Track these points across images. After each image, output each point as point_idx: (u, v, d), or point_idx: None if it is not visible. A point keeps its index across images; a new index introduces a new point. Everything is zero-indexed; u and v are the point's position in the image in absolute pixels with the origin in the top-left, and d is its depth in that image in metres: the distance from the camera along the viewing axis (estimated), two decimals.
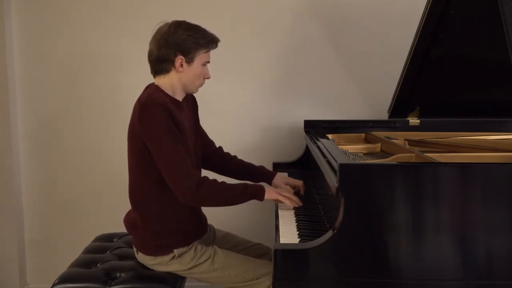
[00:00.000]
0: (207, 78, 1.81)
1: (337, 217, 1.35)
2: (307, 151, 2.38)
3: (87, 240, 2.15)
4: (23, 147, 2.70)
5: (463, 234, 1.33)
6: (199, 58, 1.74)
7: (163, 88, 1.75)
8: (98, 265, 1.84)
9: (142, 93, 1.77)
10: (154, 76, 1.79)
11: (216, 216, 2.20)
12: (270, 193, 1.76)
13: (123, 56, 2.63)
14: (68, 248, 2.65)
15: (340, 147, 1.98)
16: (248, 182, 1.87)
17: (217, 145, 2.09)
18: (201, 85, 1.81)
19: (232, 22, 2.60)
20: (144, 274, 1.77)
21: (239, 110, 2.66)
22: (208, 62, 1.79)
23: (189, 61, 1.73)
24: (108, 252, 1.97)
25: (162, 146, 1.64)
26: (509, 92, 2.07)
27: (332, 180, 1.41)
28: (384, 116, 2.41)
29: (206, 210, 1.95)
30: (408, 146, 2.03)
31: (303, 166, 2.28)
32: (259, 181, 2.02)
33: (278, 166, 2.46)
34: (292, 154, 2.60)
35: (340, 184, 1.34)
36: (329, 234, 1.34)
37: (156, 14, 2.60)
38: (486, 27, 1.87)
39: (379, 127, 2.42)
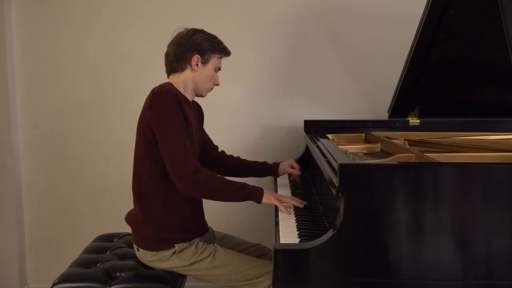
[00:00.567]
0: (217, 84, 1.89)
1: (337, 217, 1.35)
2: (307, 151, 2.39)
3: (87, 240, 2.15)
4: (23, 147, 2.70)
5: (463, 234, 1.33)
6: (213, 61, 1.83)
7: (175, 86, 1.81)
8: (98, 265, 1.84)
9: (156, 86, 1.81)
10: (168, 75, 1.86)
11: (216, 216, 2.21)
12: (268, 198, 1.76)
13: (124, 54, 2.63)
14: (68, 248, 2.65)
15: (340, 147, 1.98)
16: (247, 184, 1.86)
17: (218, 146, 2.12)
18: (210, 89, 1.89)
19: (232, 22, 2.60)
20: (144, 273, 1.77)
21: (239, 110, 2.67)
22: (220, 68, 1.87)
23: (205, 61, 1.82)
24: (108, 252, 1.97)
25: (169, 133, 1.69)
26: (509, 92, 2.07)
27: (332, 180, 1.41)
28: (384, 116, 2.41)
29: (205, 211, 1.95)
30: (408, 146, 2.03)
31: (303, 166, 2.27)
32: (265, 176, 2.17)
33: None
34: (292, 154, 2.60)
35: (340, 184, 1.34)
36: (329, 234, 1.34)
37: (156, 14, 2.61)
38: (486, 27, 1.87)
39: (379, 127, 2.42)
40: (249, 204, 1.79)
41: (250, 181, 1.88)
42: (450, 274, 1.33)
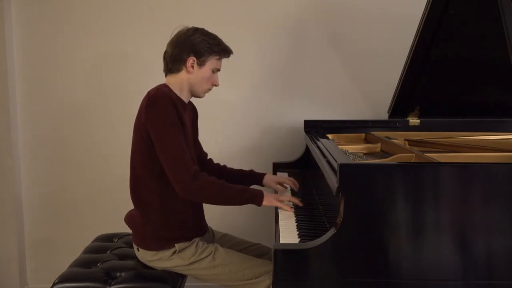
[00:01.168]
0: (216, 85, 1.86)
1: (337, 217, 1.35)
2: (307, 151, 2.39)
3: (87, 240, 2.15)
4: (23, 147, 2.70)
5: (463, 234, 1.33)
6: (210, 63, 1.80)
7: (171, 87, 1.80)
8: (98, 264, 1.84)
9: (152, 88, 1.80)
10: (166, 75, 1.85)
11: (216, 216, 2.21)
12: (269, 200, 1.77)
13: (124, 55, 2.63)
14: (68, 248, 2.65)
15: (340, 147, 1.98)
16: (247, 187, 1.86)
17: (218, 146, 2.11)
18: (208, 90, 1.86)
19: (232, 22, 2.60)
20: (144, 273, 1.77)
21: (239, 110, 2.67)
22: (219, 69, 1.85)
23: (201, 64, 1.79)
24: (108, 252, 1.98)
25: (165, 137, 1.68)
26: (509, 92, 2.07)
27: (332, 180, 1.41)
28: (384, 116, 2.41)
29: (205, 211, 1.95)
30: (408, 146, 2.03)
31: (303, 166, 2.28)
32: (251, 185, 2.02)
33: (278, 166, 2.46)
34: (292, 154, 2.60)
35: (340, 184, 1.34)
36: (329, 234, 1.34)
37: (156, 14, 2.61)
38: (486, 27, 1.87)
39: (379, 127, 2.42)
40: (249, 204, 1.79)
41: None
42: (450, 274, 1.33)
